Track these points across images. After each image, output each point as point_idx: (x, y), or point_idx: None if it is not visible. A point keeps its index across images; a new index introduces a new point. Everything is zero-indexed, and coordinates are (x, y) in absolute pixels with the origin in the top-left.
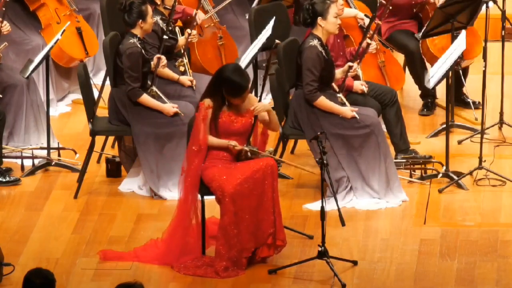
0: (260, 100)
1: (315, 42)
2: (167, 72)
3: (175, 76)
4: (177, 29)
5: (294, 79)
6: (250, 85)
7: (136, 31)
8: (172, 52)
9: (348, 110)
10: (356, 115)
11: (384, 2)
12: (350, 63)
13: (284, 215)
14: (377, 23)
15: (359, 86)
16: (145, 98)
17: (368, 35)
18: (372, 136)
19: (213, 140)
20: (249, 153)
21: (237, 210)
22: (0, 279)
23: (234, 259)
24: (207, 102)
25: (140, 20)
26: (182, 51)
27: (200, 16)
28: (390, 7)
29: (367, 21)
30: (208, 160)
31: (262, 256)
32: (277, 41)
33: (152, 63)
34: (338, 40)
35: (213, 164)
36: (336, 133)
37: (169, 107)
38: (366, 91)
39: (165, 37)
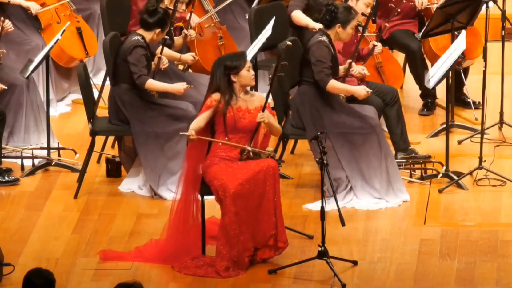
0: (267, 99)
1: (324, 38)
2: (169, 53)
3: (176, 55)
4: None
5: (298, 76)
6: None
7: (147, 34)
8: None
9: (362, 89)
10: (370, 90)
11: (393, 6)
12: (349, 60)
13: (284, 215)
14: (385, 25)
15: (360, 70)
16: (153, 83)
17: (369, 34)
18: (374, 136)
19: (193, 123)
20: (251, 154)
21: (238, 210)
22: (0, 279)
23: (235, 259)
24: (215, 95)
25: (159, 30)
26: (180, 62)
27: (195, 19)
28: (399, 10)
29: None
30: (209, 158)
31: (263, 258)
32: (288, 42)
33: (152, 63)
34: (355, 41)
35: (214, 162)
36: (338, 132)
37: (179, 85)
38: (367, 74)
39: (165, 36)
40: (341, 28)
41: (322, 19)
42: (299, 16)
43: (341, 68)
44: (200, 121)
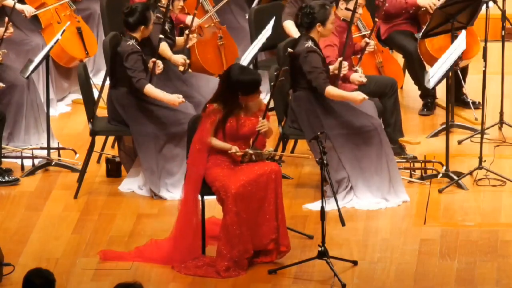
0: (268, 106)
1: (309, 43)
2: (163, 47)
3: (168, 53)
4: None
5: (291, 82)
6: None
7: (136, 34)
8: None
9: (359, 95)
10: (366, 97)
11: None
12: (340, 58)
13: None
14: (375, 20)
15: (357, 77)
16: (151, 89)
17: (359, 34)
18: (375, 135)
19: (216, 142)
20: (253, 156)
21: (239, 210)
22: (0, 279)
23: (235, 259)
24: (217, 106)
25: (143, 26)
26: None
27: (194, 23)
28: (386, 4)
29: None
30: (211, 160)
31: (264, 261)
32: (289, 49)
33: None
34: (350, 43)
35: (217, 164)
36: (338, 133)
37: (175, 97)
38: (365, 82)
39: (160, 36)
40: (322, 27)
41: (301, 23)
42: (289, 27)
43: (331, 67)
44: (209, 135)
